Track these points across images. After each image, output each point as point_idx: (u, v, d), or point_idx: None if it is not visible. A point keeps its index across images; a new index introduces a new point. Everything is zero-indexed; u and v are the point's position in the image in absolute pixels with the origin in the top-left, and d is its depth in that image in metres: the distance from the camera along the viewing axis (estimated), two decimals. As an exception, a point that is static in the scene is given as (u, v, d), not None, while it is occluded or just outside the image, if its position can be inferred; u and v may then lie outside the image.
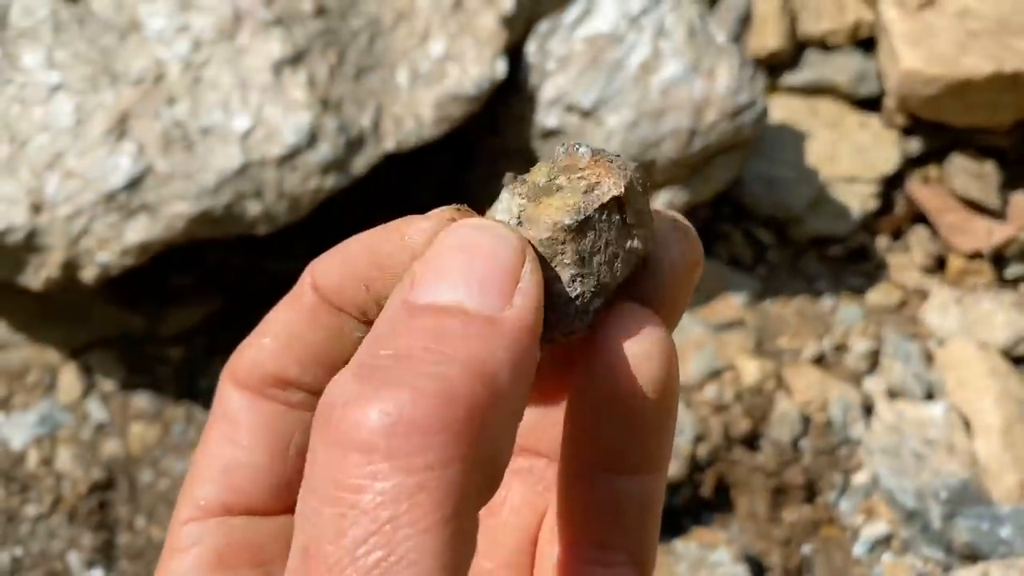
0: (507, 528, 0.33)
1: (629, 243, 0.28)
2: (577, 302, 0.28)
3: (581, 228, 0.27)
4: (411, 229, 0.28)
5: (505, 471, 0.24)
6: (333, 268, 0.30)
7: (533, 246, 0.27)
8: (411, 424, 0.21)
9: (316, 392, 0.31)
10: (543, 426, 0.34)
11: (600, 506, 0.29)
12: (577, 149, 0.29)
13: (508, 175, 0.29)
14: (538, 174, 0.29)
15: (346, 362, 0.29)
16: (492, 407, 0.23)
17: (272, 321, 0.32)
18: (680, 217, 0.31)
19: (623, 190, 0.28)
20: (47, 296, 1.26)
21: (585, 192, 0.28)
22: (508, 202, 0.28)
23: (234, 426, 0.31)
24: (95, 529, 1.27)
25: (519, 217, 0.28)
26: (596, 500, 0.29)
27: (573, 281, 0.28)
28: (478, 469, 0.22)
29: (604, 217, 0.28)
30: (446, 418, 0.21)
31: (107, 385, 1.39)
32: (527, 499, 0.33)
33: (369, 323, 0.30)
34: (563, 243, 0.27)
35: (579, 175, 0.28)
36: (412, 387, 0.22)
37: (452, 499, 0.21)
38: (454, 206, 0.29)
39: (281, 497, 0.31)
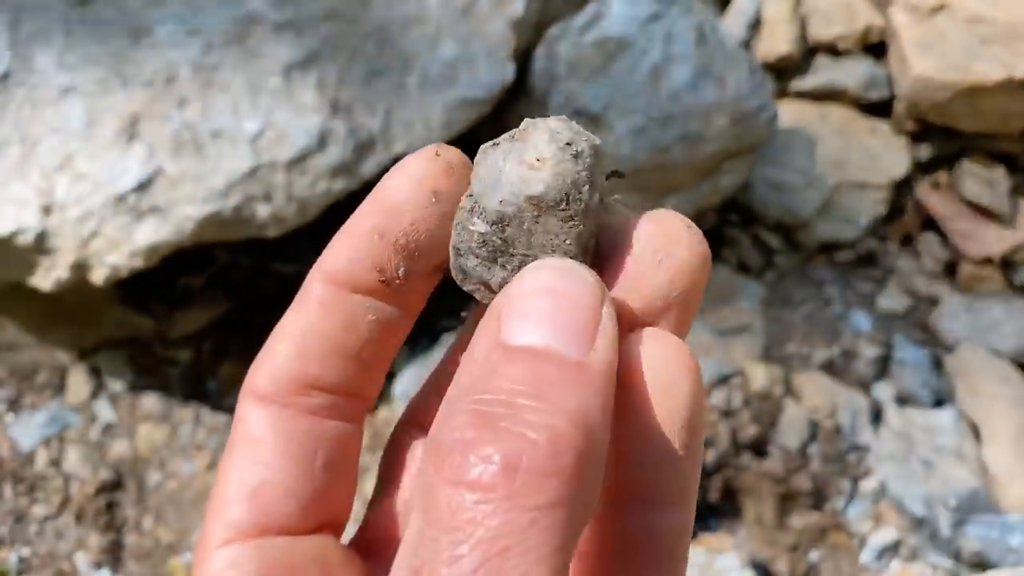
0: None
1: (518, 174, 0.29)
2: (459, 215, 0.30)
3: (487, 150, 0.30)
4: (398, 171, 0.31)
5: (593, 512, 0.26)
6: (339, 252, 0.31)
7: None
8: (527, 470, 0.23)
9: (338, 391, 0.32)
10: None
11: (631, 541, 0.29)
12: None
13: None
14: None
15: (365, 348, 0.31)
16: (589, 451, 0.25)
17: (283, 327, 0.32)
18: (681, 217, 0.31)
19: (519, 128, 0.30)
20: (56, 298, 1.26)
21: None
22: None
23: (258, 445, 0.31)
24: (103, 530, 1.28)
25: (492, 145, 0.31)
26: (626, 535, 0.30)
27: (467, 196, 0.30)
28: (580, 507, 0.24)
29: (503, 147, 0.30)
30: (557, 465, 0.24)
31: (115, 386, 1.40)
32: None
33: (388, 282, 0.31)
34: (476, 163, 0.30)
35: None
36: (525, 437, 0.24)
37: (559, 535, 0.23)
38: (437, 144, 0.31)
39: (311, 515, 0.32)
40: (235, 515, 0.31)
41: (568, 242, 0.29)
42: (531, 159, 0.29)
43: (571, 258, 0.29)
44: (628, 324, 0.30)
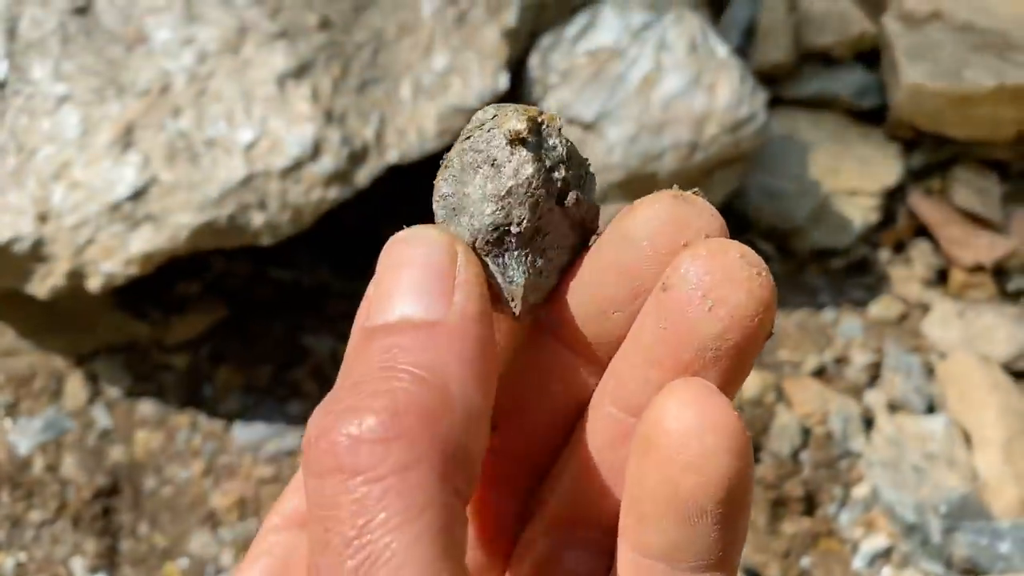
0: None
1: (499, 155, 0.29)
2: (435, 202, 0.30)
3: (467, 138, 0.30)
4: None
5: (480, 464, 0.25)
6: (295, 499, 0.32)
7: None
8: (370, 441, 0.23)
9: None
10: (590, 493, 0.31)
11: None
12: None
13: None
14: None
15: None
16: (443, 406, 0.24)
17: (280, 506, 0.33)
18: (749, 252, 0.27)
19: (490, 114, 0.29)
20: (54, 304, 1.27)
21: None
22: None
23: None
24: (99, 535, 1.28)
25: None
26: None
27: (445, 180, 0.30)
28: (445, 463, 0.23)
29: (478, 133, 0.29)
30: (400, 428, 0.23)
31: (112, 392, 1.40)
32: (580, 572, 0.32)
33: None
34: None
35: None
36: (365, 407, 0.24)
37: (423, 493, 0.23)
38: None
39: None
40: (288, 504, 0.32)
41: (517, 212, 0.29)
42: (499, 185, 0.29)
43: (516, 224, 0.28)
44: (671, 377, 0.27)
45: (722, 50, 1.37)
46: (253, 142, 1.19)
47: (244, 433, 1.37)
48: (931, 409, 1.39)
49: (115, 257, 1.17)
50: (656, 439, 0.25)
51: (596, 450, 0.30)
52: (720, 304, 0.26)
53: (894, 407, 1.39)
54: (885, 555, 1.26)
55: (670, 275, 0.27)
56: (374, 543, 0.22)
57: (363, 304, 0.27)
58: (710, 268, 0.26)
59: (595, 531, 0.31)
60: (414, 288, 0.26)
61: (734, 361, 0.26)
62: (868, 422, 1.37)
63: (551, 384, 0.31)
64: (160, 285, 1.41)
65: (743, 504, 0.26)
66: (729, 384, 0.27)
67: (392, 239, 0.28)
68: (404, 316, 0.26)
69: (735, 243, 0.27)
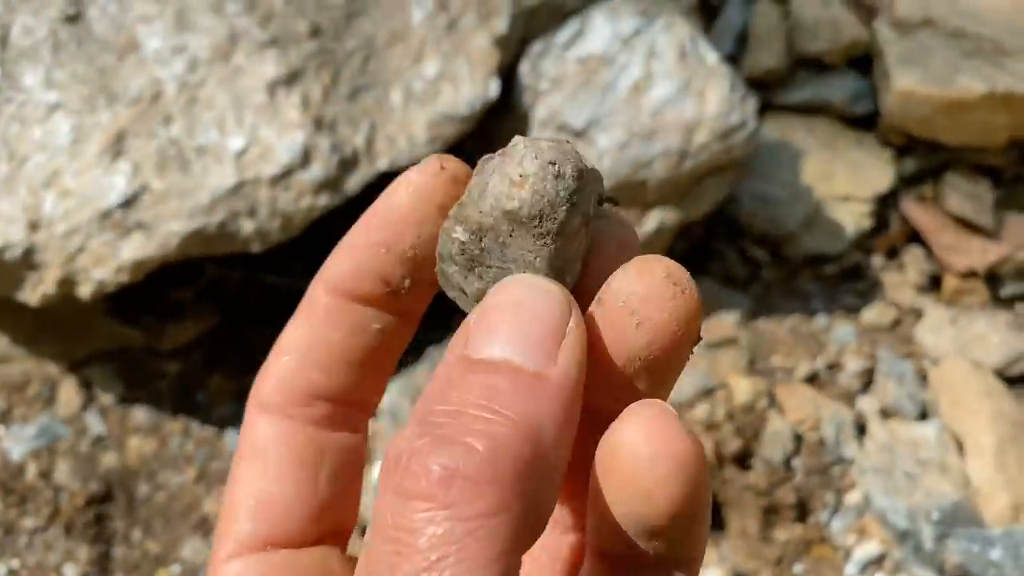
0: (527, 573, 0.33)
1: (501, 189, 0.30)
2: (447, 223, 0.31)
3: (484, 163, 0.31)
4: (403, 184, 0.31)
5: (548, 520, 0.26)
6: (343, 263, 0.32)
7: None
8: (465, 478, 0.24)
9: (342, 400, 0.32)
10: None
11: None
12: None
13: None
14: None
15: (369, 357, 0.32)
16: (536, 461, 0.25)
17: (288, 337, 0.33)
18: (676, 269, 0.29)
19: (509, 144, 0.31)
20: (47, 310, 1.27)
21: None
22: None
23: (263, 457, 0.32)
24: (91, 542, 1.28)
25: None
26: None
27: (458, 207, 0.31)
28: (523, 516, 0.24)
29: (495, 161, 0.30)
30: (495, 473, 0.24)
31: (105, 399, 1.40)
32: (546, 544, 0.33)
33: (394, 292, 0.31)
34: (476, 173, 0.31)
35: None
36: (465, 444, 0.24)
37: (498, 544, 0.23)
38: (440, 156, 0.31)
39: (316, 526, 0.32)
40: (241, 529, 0.31)
41: (539, 260, 0.29)
42: (514, 174, 0.29)
43: (542, 275, 0.29)
44: (608, 384, 0.29)
45: (712, 57, 1.37)
46: (243, 150, 1.19)
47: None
48: (924, 415, 1.39)
49: (106, 265, 1.17)
50: (613, 465, 0.27)
51: None
52: (646, 321, 0.28)
53: (887, 413, 1.39)
54: (877, 562, 1.26)
55: (604, 291, 0.29)
56: None
57: (461, 331, 0.28)
58: (636, 287, 0.28)
59: (558, 508, 0.33)
60: (523, 334, 0.26)
61: (661, 368, 0.29)
62: (861, 428, 1.37)
63: None
64: (153, 292, 1.42)
65: (697, 521, 0.27)
66: (658, 387, 0.29)
67: (510, 278, 0.28)
68: (508, 359, 0.26)
69: (663, 261, 0.29)
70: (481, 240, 0.30)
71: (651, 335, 0.28)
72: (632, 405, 0.27)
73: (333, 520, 0.33)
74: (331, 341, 0.32)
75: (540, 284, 0.28)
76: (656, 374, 0.29)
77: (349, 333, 0.32)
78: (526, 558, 0.33)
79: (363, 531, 1.13)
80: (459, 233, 0.30)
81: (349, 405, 0.33)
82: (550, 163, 0.29)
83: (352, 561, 0.33)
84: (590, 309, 0.29)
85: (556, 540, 0.34)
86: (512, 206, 0.29)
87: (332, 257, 0.32)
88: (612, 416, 0.27)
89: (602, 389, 0.29)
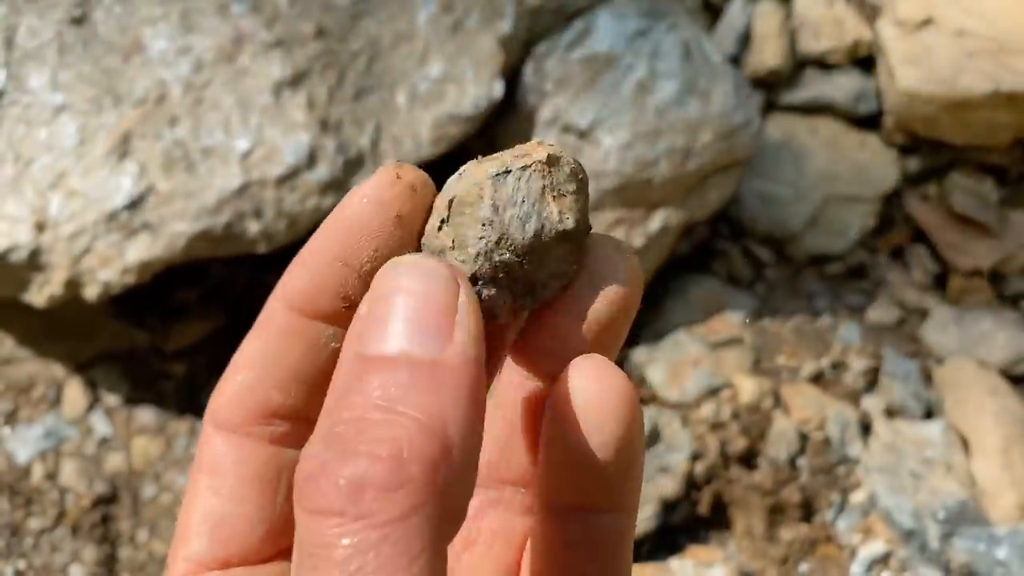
0: (484, 562, 0.34)
1: (547, 210, 0.30)
2: (480, 244, 0.30)
3: (500, 179, 0.30)
4: (358, 195, 0.30)
5: (468, 505, 0.26)
6: (300, 278, 0.31)
7: (452, 201, 0.30)
8: (372, 488, 0.24)
9: (300, 418, 0.32)
10: (507, 455, 0.34)
11: (575, 544, 0.30)
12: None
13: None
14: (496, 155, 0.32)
15: (326, 376, 0.30)
16: (446, 453, 0.24)
17: (244, 354, 0.32)
18: (624, 243, 0.33)
19: (545, 158, 0.31)
20: (53, 312, 1.28)
21: (516, 158, 0.31)
22: (463, 166, 0.31)
23: (219, 475, 0.31)
24: (98, 543, 1.28)
25: (461, 173, 0.31)
26: (570, 538, 0.31)
27: (483, 226, 0.30)
28: (439, 511, 0.24)
29: (525, 178, 0.30)
30: (403, 477, 0.24)
31: (111, 400, 1.41)
32: (499, 531, 0.34)
33: (352, 307, 0.30)
34: (482, 189, 0.30)
35: (521, 151, 0.31)
36: (368, 454, 0.24)
37: (415, 544, 0.23)
38: (395, 164, 0.30)
39: (273, 544, 0.32)
40: (195, 547, 0.31)
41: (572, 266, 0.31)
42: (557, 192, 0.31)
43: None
44: (574, 348, 0.31)
45: (716, 57, 1.38)
46: (249, 151, 1.20)
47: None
48: (929, 415, 1.39)
49: (112, 266, 1.18)
50: (565, 409, 0.29)
51: (507, 413, 0.34)
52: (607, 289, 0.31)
53: (892, 413, 1.39)
54: (883, 561, 1.26)
55: None
56: None
57: (354, 324, 0.27)
58: (595, 258, 0.32)
59: (511, 491, 0.34)
60: (414, 321, 0.26)
61: (612, 333, 0.32)
62: (866, 428, 1.37)
63: None
64: (159, 293, 1.42)
65: (636, 462, 0.30)
66: (610, 352, 0.32)
67: (391, 262, 0.28)
68: (403, 351, 0.26)
69: (614, 239, 0.32)
70: (502, 214, 0.30)
71: (607, 299, 0.31)
72: (576, 359, 0.30)
73: (289, 536, 0.32)
74: (289, 359, 0.31)
75: (419, 262, 0.27)
76: (611, 336, 0.31)
77: (307, 350, 0.31)
78: (481, 549, 0.34)
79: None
80: (482, 210, 0.30)
81: (307, 422, 0.32)
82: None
83: None
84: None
85: (510, 524, 0.34)
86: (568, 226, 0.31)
87: (289, 271, 0.32)
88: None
89: (556, 356, 0.31)
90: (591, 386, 0.29)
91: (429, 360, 0.25)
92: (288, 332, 0.31)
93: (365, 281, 0.30)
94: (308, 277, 0.31)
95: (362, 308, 0.27)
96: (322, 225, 0.31)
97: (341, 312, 0.31)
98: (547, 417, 0.30)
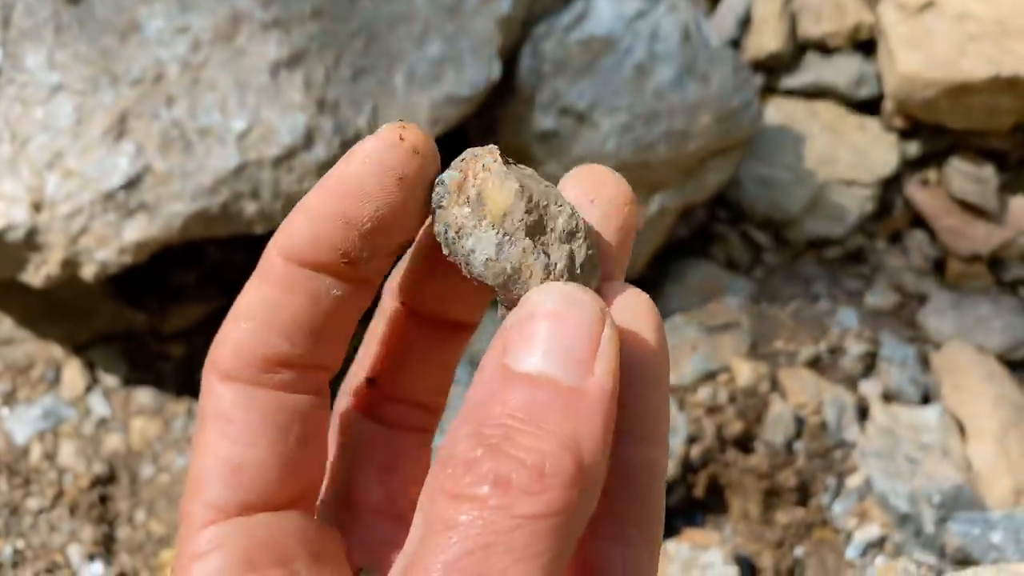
0: None
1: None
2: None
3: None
4: (360, 153, 0.31)
5: (582, 531, 0.28)
6: (300, 231, 0.31)
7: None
8: (515, 487, 0.26)
9: (304, 365, 0.33)
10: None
11: (612, 476, 0.31)
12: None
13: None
14: None
15: (328, 323, 0.32)
16: (579, 475, 0.27)
17: (245, 304, 0.32)
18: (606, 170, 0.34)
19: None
20: (51, 292, 1.27)
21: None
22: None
23: (229, 423, 0.32)
24: (96, 522, 1.29)
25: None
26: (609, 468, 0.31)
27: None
28: (566, 526, 0.26)
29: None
30: (543, 485, 0.26)
31: (110, 381, 1.41)
32: None
33: (352, 264, 0.31)
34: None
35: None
36: (516, 458, 0.26)
37: (543, 543, 0.26)
38: (400, 124, 0.31)
39: (288, 488, 0.32)
40: (215, 494, 0.31)
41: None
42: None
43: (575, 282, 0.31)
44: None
45: (715, 40, 1.37)
46: (246, 131, 1.19)
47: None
48: (926, 399, 1.39)
49: (109, 246, 1.17)
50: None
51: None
52: (598, 198, 0.33)
53: (888, 397, 1.39)
54: (878, 545, 1.26)
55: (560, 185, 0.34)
56: (489, 565, 0.25)
57: (499, 336, 0.29)
58: (587, 177, 0.34)
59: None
60: (560, 347, 0.28)
61: (619, 240, 0.33)
62: (862, 412, 1.37)
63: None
64: (157, 275, 1.42)
65: (666, 362, 0.32)
66: (621, 257, 0.33)
67: (545, 286, 0.29)
68: (545, 373, 0.28)
69: (600, 165, 0.34)
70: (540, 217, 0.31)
71: (603, 207, 0.33)
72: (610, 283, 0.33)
73: (303, 482, 0.33)
74: (290, 308, 0.32)
75: (572, 292, 0.29)
76: (617, 243, 0.33)
77: (307, 300, 0.32)
78: None
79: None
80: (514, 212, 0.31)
81: (311, 369, 0.33)
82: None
83: (321, 523, 0.34)
84: None
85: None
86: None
87: (288, 221, 0.32)
88: None
89: None
90: (623, 300, 0.31)
91: (569, 386, 0.27)
92: (288, 282, 0.32)
93: (364, 239, 0.31)
94: (308, 230, 0.31)
95: (509, 320, 0.29)
96: (323, 179, 0.31)
97: (340, 265, 0.32)
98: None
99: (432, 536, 0.26)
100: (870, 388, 1.40)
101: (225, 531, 0.31)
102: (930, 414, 1.34)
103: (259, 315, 0.32)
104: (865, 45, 1.66)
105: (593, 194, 0.33)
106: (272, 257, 0.32)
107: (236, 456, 0.31)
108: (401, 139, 0.31)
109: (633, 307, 0.31)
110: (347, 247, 0.31)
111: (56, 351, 1.42)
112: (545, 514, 0.26)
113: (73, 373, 1.41)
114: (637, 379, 0.30)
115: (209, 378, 0.32)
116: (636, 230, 0.34)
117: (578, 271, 0.32)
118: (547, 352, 0.28)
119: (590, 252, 0.32)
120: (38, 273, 1.20)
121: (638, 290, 0.32)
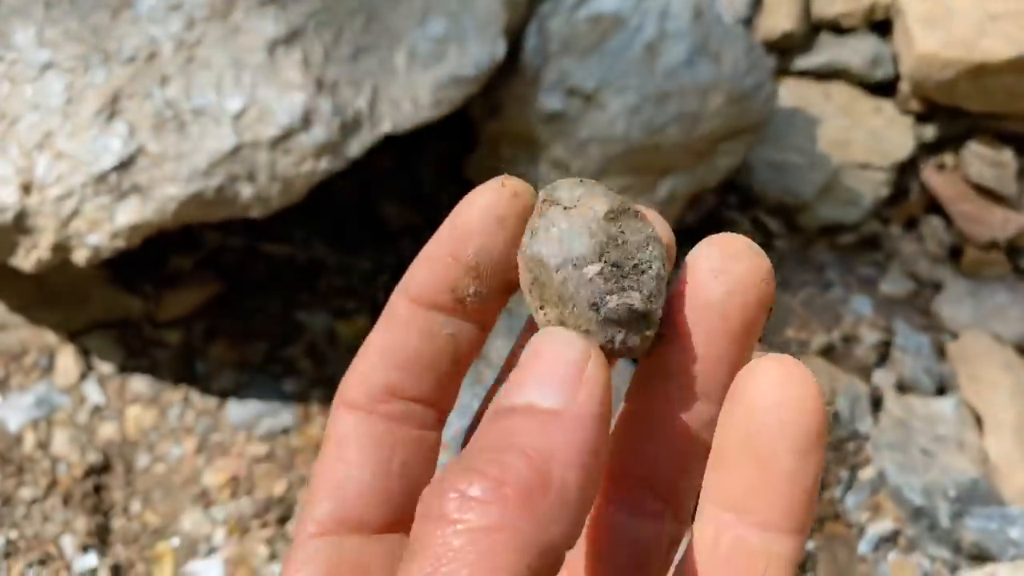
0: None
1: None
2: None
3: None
4: (467, 200, 0.34)
5: (566, 549, 0.28)
6: (419, 274, 0.35)
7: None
8: (475, 499, 0.27)
9: (418, 399, 0.36)
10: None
11: (733, 564, 0.31)
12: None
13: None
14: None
15: (441, 360, 0.36)
16: (541, 486, 0.27)
17: (371, 343, 0.36)
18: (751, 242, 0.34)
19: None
20: (45, 278, 1.25)
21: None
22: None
23: (343, 445, 0.35)
24: (90, 513, 1.27)
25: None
26: (729, 556, 0.31)
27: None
28: (527, 540, 0.27)
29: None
30: (497, 494, 0.27)
31: (104, 368, 1.39)
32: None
33: (460, 301, 0.35)
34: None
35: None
36: (478, 471, 0.28)
37: (500, 557, 0.26)
38: (503, 176, 0.34)
39: (386, 512, 0.35)
40: (320, 510, 0.35)
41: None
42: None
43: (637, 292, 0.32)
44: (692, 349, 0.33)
45: (727, 19, 1.33)
46: (242, 111, 1.16)
47: (238, 410, 1.36)
48: (941, 390, 1.37)
49: (101, 229, 1.15)
50: (744, 391, 0.30)
51: (654, 416, 0.35)
52: (724, 273, 0.32)
53: (903, 388, 1.37)
54: (892, 539, 1.25)
55: (688, 259, 0.33)
56: (454, 571, 0.26)
57: (504, 385, 0.31)
58: (716, 249, 0.33)
59: (658, 502, 0.36)
60: (544, 378, 0.29)
61: (742, 323, 0.32)
62: (876, 403, 1.36)
63: None
64: (153, 260, 1.40)
65: (813, 456, 0.30)
66: (745, 346, 0.32)
67: (538, 334, 0.31)
68: (530, 402, 0.29)
69: (739, 235, 0.33)
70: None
71: (729, 284, 0.32)
72: (760, 357, 0.31)
73: (400, 508, 0.35)
74: (408, 345, 0.35)
75: (561, 335, 0.31)
76: (740, 326, 0.32)
77: (423, 337, 0.35)
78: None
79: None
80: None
81: (423, 404, 0.36)
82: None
83: None
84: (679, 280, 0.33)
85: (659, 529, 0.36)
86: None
87: (411, 268, 0.36)
88: (704, 387, 0.32)
89: (687, 355, 0.32)
90: (775, 371, 0.30)
91: (546, 408, 0.29)
92: (407, 321, 0.35)
93: (471, 273, 0.34)
94: (424, 273, 0.35)
95: (512, 374, 0.31)
96: (440, 227, 0.35)
97: (451, 302, 0.35)
98: (723, 409, 0.32)
99: (403, 563, 0.27)
100: (884, 378, 1.38)
101: (319, 546, 0.34)
102: (946, 405, 1.32)
103: (379, 351, 0.36)
104: (881, 25, 1.63)
105: (719, 268, 0.32)
106: (395, 300, 0.36)
107: (341, 474, 0.35)
108: (503, 185, 0.34)
109: (795, 375, 0.30)
110: (455, 283, 0.34)
111: (50, 337, 1.41)
112: (499, 526, 0.26)
113: (67, 360, 1.39)
114: (786, 445, 0.30)
115: (336, 409, 0.36)
116: (771, 307, 0.33)
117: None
118: (532, 385, 0.29)
119: (652, 306, 0.32)
120: (28, 257, 1.17)
121: (789, 358, 0.31)
